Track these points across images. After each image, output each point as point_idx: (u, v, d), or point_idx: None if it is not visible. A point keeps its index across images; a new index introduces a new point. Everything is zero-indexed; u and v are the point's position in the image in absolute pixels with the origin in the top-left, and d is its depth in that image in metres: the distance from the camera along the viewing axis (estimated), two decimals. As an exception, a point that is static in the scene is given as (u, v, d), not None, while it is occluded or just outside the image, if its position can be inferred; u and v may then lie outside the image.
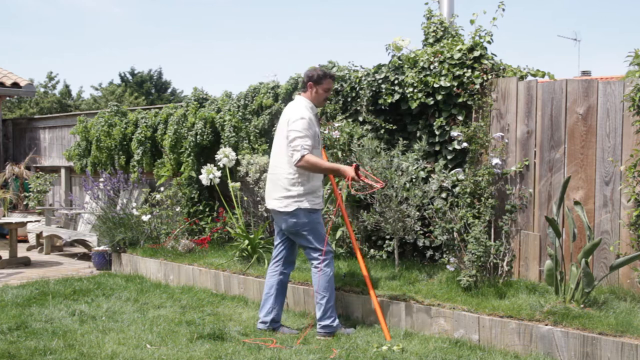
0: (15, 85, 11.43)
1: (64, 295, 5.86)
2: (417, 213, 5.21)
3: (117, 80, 28.48)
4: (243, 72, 51.44)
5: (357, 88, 5.80)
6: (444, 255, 5.04)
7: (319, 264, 4.59)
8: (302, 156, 4.40)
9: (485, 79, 5.15)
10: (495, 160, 4.94)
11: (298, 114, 4.53)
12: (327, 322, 4.54)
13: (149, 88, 28.54)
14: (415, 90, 5.42)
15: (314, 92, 4.70)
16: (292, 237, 4.73)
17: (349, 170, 4.42)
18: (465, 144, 5.11)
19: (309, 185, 4.56)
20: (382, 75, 5.63)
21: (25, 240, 10.13)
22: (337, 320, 4.60)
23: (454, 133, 5.11)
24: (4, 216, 9.05)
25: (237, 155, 6.82)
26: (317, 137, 4.58)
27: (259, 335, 4.58)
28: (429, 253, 5.42)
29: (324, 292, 4.58)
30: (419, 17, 5.90)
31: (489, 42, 5.29)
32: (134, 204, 7.94)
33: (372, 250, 5.71)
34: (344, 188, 5.44)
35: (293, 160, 4.45)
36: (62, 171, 10.80)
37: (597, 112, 4.60)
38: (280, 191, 4.59)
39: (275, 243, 4.85)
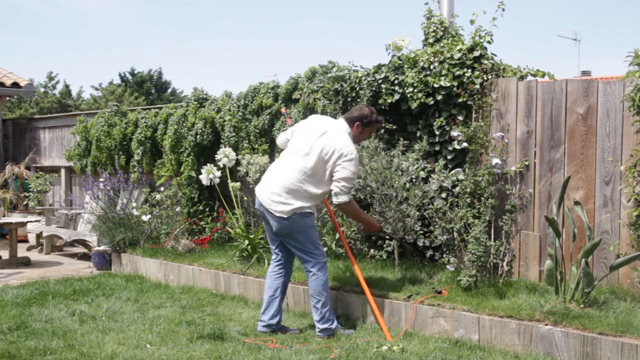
0: (15, 85, 11.43)
1: (64, 295, 5.86)
2: (417, 213, 5.21)
3: (117, 80, 28.52)
4: (243, 72, 51.49)
5: (357, 88, 5.80)
6: (444, 255, 5.04)
7: (312, 267, 4.57)
8: (349, 200, 4.50)
9: (485, 79, 5.15)
10: (495, 160, 4.94)
11: (351, 150, 4.45)
12: (325, 325, 4.53)
13: (149, 88, 28.56)
14: (415, 90, 5.42)
15: (359, 132, 4.67)
16: (283, 240, 4.65)
17: (378, 227, 4.91)
18: (465, 144, 5.11)
19: (315, 202, 4.60)
20: (382, 75, 5.63)
21: (25, 240, 10.13)
22: (335, 322, 4.59)
23: (454, 133, 5.11)
24: (4, 216, 9.05)
25: (237, 155, 6.82)
26: None
27: (259, 336, 4.58)
28: (429, 253, 5.42)
29: (319, 296, 4.55)
30: (419, 17, 5.90)
31: (489, 42, 5.29)
32: (134, 204, 7.94)
33: (372, 250, 5.71)
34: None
35: (336, 199, 4.48)
36: (62, 171, 10.80)
37: (597, 112, 4.60)
38: (286, 197, 4.47)
39: (274, 246, 4.78)
